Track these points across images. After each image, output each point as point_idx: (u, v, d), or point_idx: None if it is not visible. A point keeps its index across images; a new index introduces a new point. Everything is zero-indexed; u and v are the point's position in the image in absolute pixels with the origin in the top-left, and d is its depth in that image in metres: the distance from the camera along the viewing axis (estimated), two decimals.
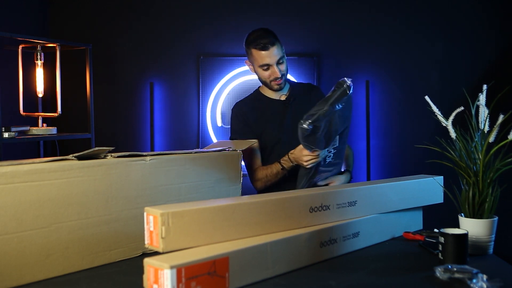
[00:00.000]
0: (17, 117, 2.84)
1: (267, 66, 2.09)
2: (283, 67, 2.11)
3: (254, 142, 1.93)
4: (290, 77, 2.34)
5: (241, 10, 3.48)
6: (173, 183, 1.41)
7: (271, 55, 2.07)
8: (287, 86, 2.22)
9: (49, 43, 2.76)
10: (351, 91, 1.74)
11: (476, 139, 1.34)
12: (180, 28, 3.53)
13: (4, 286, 1.10)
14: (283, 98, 2.20)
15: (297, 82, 2.31)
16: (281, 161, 2.01)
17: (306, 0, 3.45)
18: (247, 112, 2.19)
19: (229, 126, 2.23)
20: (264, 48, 2.06)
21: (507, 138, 1.31)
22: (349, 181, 2.06)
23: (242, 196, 1.38)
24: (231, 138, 2.19)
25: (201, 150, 1.54)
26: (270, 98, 2.20)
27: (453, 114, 1.37)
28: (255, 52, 2.09)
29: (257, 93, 2.25)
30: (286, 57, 2.13)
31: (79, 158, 1.23)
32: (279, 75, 2.10)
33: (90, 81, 2.91)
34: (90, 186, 1.24)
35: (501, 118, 1.33)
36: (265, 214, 1.21)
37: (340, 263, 1.28)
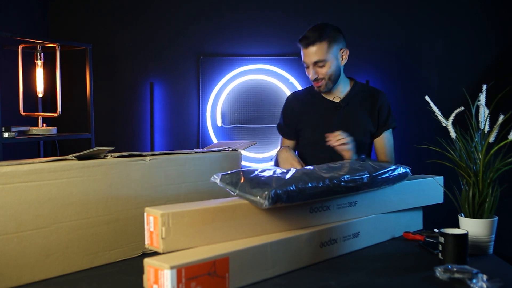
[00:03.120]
0: (17, 117, 2.84)
1: (305, 65, 1.99)
2: (323, 70, 1.96)
3: (253, 144, 1.88)
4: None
5: (241, 10, 3.48)
6: (173, 183, 1.41)
7: (309, 54, 1.95)
8: (347, 87, 2.07)
9: (49, 43, 2.76)
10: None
11: (476, 139, 1.33)
12: (180, 28, 3.53)
13: (4, 286, 1.10)
14: (337, 100, 2.05)
15: (362, 84, 2.13)
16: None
17: (307, 0, 3.45)
18: (295, 107, 2.09)
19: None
20: (304, 45, 1.96)
21: (507, 138, 1.31)
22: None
23: None
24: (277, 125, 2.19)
25: (201, 150, 1.54)
26: (324, 97, 2.07)
27: (453, 114, 1.37)
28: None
29: (313, 87, 2.09)
30: (336, 59, 1.98)
31: (79, 158, 1.23)
32: (312, 78, 1.97)
33: (90, 81, 2.91)
34: (90, 186, 1.24)
35: (501, 118, 1.33)
36: (265, 214, 1.21)
37: (340, 263, 1.28)
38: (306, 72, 2.02)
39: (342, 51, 2.01)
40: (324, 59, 1.95)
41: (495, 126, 1.33)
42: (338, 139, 1.82)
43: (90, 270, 1.23)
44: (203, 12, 3.50)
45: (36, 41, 2.68)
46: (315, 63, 1.96)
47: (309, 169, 1.34)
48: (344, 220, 1.35)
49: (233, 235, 1.16)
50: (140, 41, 3.57)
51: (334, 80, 2.00)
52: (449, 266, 1.13)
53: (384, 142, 2.09)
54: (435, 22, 3.35)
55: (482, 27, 3.29)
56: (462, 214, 1.36)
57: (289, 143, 2.14)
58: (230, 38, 3.47)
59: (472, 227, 1.32)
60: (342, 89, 2.06)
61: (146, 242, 1.10)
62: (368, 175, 1.35)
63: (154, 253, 1.06)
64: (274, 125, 3.26)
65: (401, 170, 1.44)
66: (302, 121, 2.08)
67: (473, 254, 1.31)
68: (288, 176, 1.25)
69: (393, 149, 2.12)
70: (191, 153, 1.46)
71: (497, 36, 3.28)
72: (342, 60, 2.02)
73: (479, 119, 1.37)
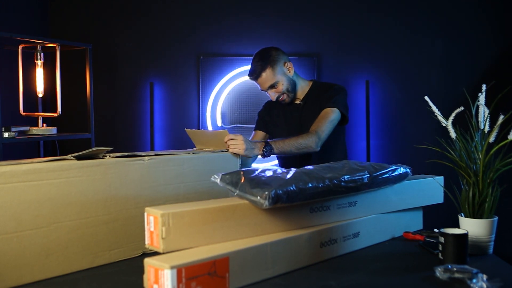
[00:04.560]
0: (17, 117, 2.83)
1: (264, 91, 2.21)
2: (278, 89, 2.18)
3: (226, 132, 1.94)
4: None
5: (241, 10, 3.48)
6: (172, 183, 1.41)
7: (261, 83, 2.18)
8: (306, 89, 2.26)
9: (49, 43, 2.76)
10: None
11: (476, 139, 1.33)
12: (180, 28, 3.53)
13: (4, 286, 1.10)
14: (297, 101, 2.26)
15: (321, 83, 2.31)
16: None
17: (306, 0, 3.45)
18: (271, 109, 2.32)
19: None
20: (254, 79, 2.19)
21: (507, 138, 1.31)
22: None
23: None
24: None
25: (199, 150, 1.54)
26: (296, 101, 2.28)
27: (453, 114, 1.36)
28: None
29: None
30: (284, 75, 2.18)
31: (78, 158, 1.23)
32: (274, 99, 2.21)
33: (90, 81, 2.91)
34: (89, 186, 1.23)
35: (501, 118, 1.33)
36: (265, 214, 1.21)
37: (340, 263, 1.28)
38: (268, 95, 2.24)
39: (286, 65, 2.21)
40: (275, 81, 2.17)
41: (495, 126, 1.33)
42: (229, 143, 1.75)
43: (90, 270, 1.23)
44: (203, 12, 3.50)
45: (36, 41, 2.68)
46: (270, 88, 2.18)
47: (309, 169, 1.34)
48: (344, 220, 1.35)
49: (233, 235, 1.16)
50: (140, 41, 3.57)
51: (292, 90, 2.22)
52: (449, 266, 1.13)
53: (320, 114, 2.12)
54: (435, 22, 3.35)
55: (482, 27, 3.29)
56: (462, 214, 1.35)
57: (260, 134, 2.32)
58: (230, 38, 3.47)
59: (472, 227, 1.32)
60: (302, 92, 2.26)
61: (146, 242, 1.10)
62: (368, 175, 1.35)
63: (154, 253, 1.06)
64: None
65: (401, 170, 1.44)
66: (272, 123, 2.30)
67: (473, 254, 1.31)
68: (288, 176, 1.25)
69: (327, 124, 2.06)
70: (189, 153, 1.46)
71: (497, 36, 3.28)
72: (290, 72, 2.22)
73: (479, 119, 1.36)
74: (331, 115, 2.09)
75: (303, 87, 2.26)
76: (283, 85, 2.18)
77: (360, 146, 3.40)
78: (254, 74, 2.17)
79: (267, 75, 2.15)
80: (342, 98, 2.17)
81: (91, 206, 1.24)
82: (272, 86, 2.17)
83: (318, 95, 2.20)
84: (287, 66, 2.20)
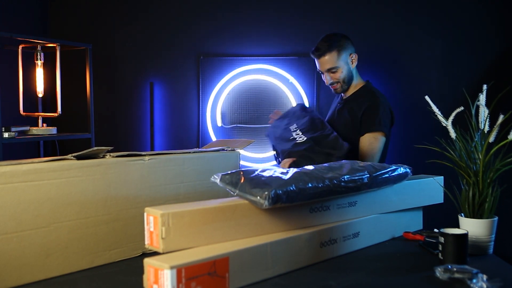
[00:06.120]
0: (17, 117, 2.83)
1: (321, 72, 2.26)
2: (336, 75, 2.21)
3: (252, 142, 1.95)
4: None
5: (241, 10, 3.48)
6: (172, 182, 1.40)
7: (322, 63, 2.21)
8: (356, 88, 2.28)
9: (49, 43, 2.76)
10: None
11: (476, 139, 1.33)
12: (180, 28, 3.52)
13: (4, 286, 1.10)
14: (344, 96, 2.33)
15: (369, 88, 2.28)
16: None
17: (306, 0, 3.45)
18: (333, 96, 2.50)
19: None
20: (317, 56, 2.21)
21: (507, 138, 1.31)
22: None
23: None
24: None
25: (200, 150, 1.54)
26: (342, 94, 2.34)
27: (453, 114, 1.37)
28: None
29: None
30: (346, 64, 2.21)
31: (78, 158, 1.23)
32: (328, 83, 2.24)
33: (90, 81, 2.91)
34: (89, 185, 1.23)
35: (501, 118, 1.33)
36: (265, 214, 1.21)
37: (340, 263, 1.28)
38: (322, 78, 2.28)
39: (351, 56, 2.23)
40: (336, 66, 2.20)
41: (495, 126, 1.33)
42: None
43: (90, 270, 1.23)
44: (203, 12, 3.50)
45: (36, 41, 2.68)
46: (328, 70, 2.21)
47: (309, 169, 1.34)
48: (344, 220, 1.35)
49: (233, 235, 1.16)
50: (140, 41, 3.57)
51: (347, 82, 2.25)
52: (449, 266, 1.13)
53: (361, 144, 2.16)
54: (435, 22, 3.34)
55: (482, 27, 3.29)
56: (462, 214, 1.36)
57: None
58: (230, 38, 3.46)
59: (472, 227, 1.32)
60: (353, 88, 2.29)
61: (146, 242, 1.10)
62: (368, 175, 1.35)
63: (154, 253, 1.06)
64: None
65: (401, 170, 1.44)
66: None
67: (473, 254, 1.31)
68: (288, 176, 1.25)
69: (373, 154, 2.12)
70: (189, 152, 1.46)
71: (497, 36, 3.28)
72: (352, 64, 2.24)
73: (479, 119, 1.36)
74: (378, 145, 2.12)
75: (356, 85, 2.28)
76: (341, 73, 2.21)
77: None
78: (319, 52, 2.19)
79: (330, 57, 2.18)
80: (384, 115, 2.16)
81: (91, 206, 1.24)
82: (331, 70, 2.20)
83: (357, 104, 2.20)
84: (351, 57, 2.23)
